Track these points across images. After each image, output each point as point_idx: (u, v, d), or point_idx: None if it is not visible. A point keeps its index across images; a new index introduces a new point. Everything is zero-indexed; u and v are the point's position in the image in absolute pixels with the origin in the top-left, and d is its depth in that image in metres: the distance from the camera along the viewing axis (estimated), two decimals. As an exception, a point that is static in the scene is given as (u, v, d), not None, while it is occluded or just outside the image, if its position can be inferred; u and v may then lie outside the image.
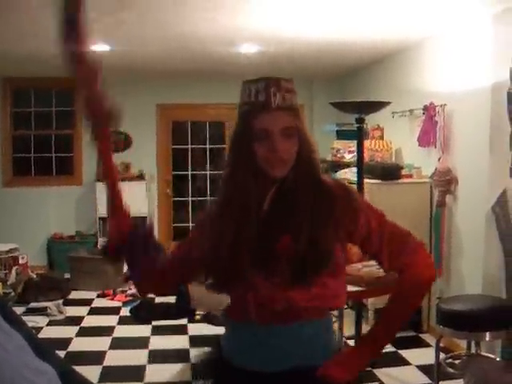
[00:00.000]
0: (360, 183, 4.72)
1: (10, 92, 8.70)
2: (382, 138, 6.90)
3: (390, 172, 5.78)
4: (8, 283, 6.95)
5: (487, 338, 3.94)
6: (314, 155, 1.89)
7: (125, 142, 8.69)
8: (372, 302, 5.50)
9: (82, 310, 6.44)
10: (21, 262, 7.43)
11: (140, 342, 5.61)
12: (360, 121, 4.58)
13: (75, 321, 6.15)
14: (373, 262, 3.73)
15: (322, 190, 1.85)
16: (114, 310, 6.61)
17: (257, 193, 1.83)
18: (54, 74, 8.12)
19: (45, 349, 2.73)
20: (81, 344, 5.49)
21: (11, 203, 8.50)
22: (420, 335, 5.62)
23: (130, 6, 4.59)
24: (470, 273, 5.09)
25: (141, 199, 8.31)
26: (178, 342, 5.64)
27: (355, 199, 1.90)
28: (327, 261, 1.79)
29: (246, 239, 1.79)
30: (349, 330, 4.94)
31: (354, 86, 8.21)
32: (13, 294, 6.78)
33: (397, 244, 1.87)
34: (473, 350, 4.33)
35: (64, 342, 5.44)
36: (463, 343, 4.72)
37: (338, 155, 7.34)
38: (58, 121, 8.88)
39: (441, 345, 4.41)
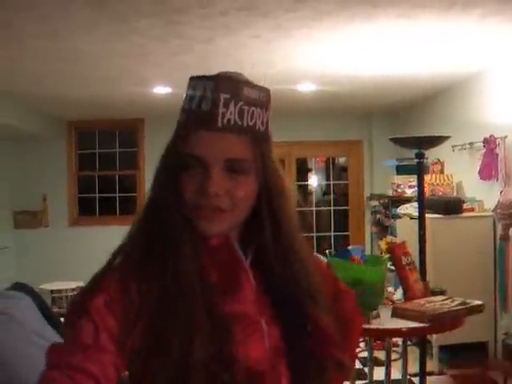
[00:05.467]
0: (421, 218, 4.69)
1: (74, 134, 9.00)
2: (442, 172, 6.85)
3: (452, 206, 5.73)
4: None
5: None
6: (277, 213, 1.21)
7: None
8: (436, 339, 5.41)
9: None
10: (87, 299, 7.61)
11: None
12: (420, 156, 4.57)
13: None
14: (436, 298, 3.70)
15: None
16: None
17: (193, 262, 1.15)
18: (116, 115, 8.44)
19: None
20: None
21: (77, 242, 8.74)
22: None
23: (191, 50, 4.74)
24: (537, 308, 4.98)
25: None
26: None
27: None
28: None
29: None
30: (413, 367, 4.87)
31: (413, 119, 8.18)
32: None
33: None
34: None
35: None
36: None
37: (399, 190, 7.32)
38: (122, 161, 9.13)
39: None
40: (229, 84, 1.14)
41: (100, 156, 9.14)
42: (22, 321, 2.75)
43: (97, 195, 9.14)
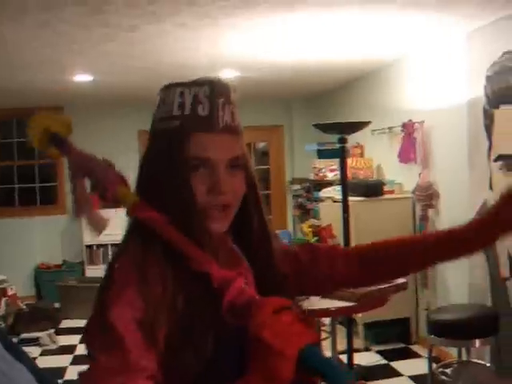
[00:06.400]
0: (345, 201, 4.84)
1: (-9, 124, 8.74)
2: (362, 155, 7.05)
3: (373, 189, 5.92)
4: (-4, 316, 6.97)
5: (477, 345, 4.08)
6: (260, 200, 1.34)
7: (108, 170, 8.76)
8: (361, 317, 5.60)
9: (74, 339, 6.42)
10: (9, 293, 7.42)
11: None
12: (342, 141, 4.70)
13: (69, 349, 6.17)
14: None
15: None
16: (106, 337, 6.62)
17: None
18: (35, 104, 8.22)
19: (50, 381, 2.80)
20: (76, 373, 5.50)
21: (-3, 234, 8.51)
22: (409, 346, 5.74)
23: (114, 38, 4.70)
24: (455, 283, 5.23)
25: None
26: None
27: None
28: None
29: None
30: (340, 345, 5.04)
31: (333, 104, 8.36)
32: (3, 325, 6.78)
33: None
34: (464, 358, 4.46)
35: (59, 372, 5.47)
36: (452, 352, 4.86)
37: (320, 174, 7.48)
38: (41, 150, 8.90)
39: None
40: (222, 89, 1.24)
41: (18, 145, 8.90)
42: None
43: (16, 186, 8.91)
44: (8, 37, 4.52)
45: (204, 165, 1.19)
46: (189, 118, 1.20)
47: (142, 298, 1.08)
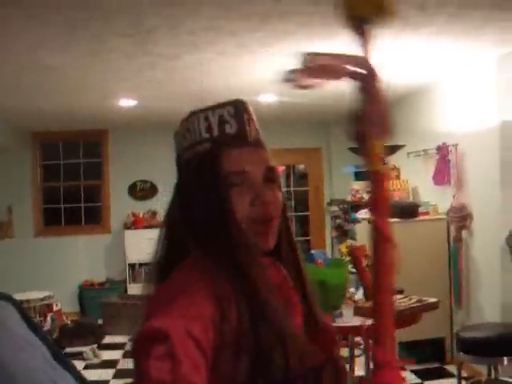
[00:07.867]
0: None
1: (39, 146, 9.07)
2: (398, 177, 7.14)
3: (408, 210, 6.00)
4: (44, 330, 7.20)
5: (505, 363, 4.14)
6: (289, 221, 1.34)
7: (151, 191, 9.01)
8: (396, 335, 5.66)
9: (116, 354, 6.64)
10: (55, 308, 7.68)
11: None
12: (377, 163, 4.81)
13: (111, 364, 6.37)
14: (397, 296, 3.95)
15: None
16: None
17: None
18: (80, 127, 8.54)
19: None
20: (128, 385, 5.70)
21: (43, 252, 8.80)
22: (444, 366, 5.79)
23: (158, 66, 4.94)
24: (488, 303, 5.28)
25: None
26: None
27: None
28: None
29: None
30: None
31: (369, 127, 8.44)
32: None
33: None
34: (493, 376, 4.51)
35: (102, 385, 5.68)
36: (483, 370, 4.90)
37: (358, 196, 7.60)
38: (86, 172, 9.23)
39: (464, 374, 4.59)
40: (245, 106, 1.26)
41: (64, 167, 9.23)
42: (11, 327, 2.87)
43: (62, 205, 9.23)
44: (56, 64, 4.79)
45: (242, 180, 1.19)
46: (219, 138, 1.22)
47: (213, 319, 1.05)
